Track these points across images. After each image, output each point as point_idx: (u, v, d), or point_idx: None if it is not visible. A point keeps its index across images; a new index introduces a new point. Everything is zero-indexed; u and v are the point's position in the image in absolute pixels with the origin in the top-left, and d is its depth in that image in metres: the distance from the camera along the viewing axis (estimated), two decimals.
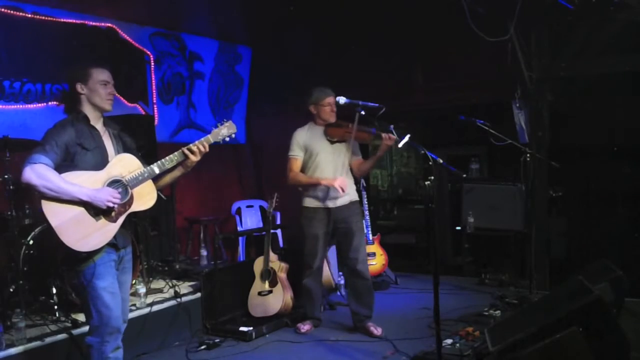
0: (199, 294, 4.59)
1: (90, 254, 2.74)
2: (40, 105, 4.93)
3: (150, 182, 2.92)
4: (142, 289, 4.26)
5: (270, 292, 4.69)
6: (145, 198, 2.90)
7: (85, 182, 2.73)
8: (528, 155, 4.90)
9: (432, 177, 3.10)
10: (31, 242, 4.15)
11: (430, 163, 3.09)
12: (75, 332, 3.72)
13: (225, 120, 3.12)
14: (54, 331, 3.69)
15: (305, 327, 4.44)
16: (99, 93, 2.90)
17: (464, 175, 5.51)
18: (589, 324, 2.69)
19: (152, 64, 5.91)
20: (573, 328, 2.66)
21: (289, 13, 5.45)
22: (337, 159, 4.25)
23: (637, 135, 5.10)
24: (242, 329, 4.38)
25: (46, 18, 4.93)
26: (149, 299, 4.30)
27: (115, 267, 2.89)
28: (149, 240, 4.99)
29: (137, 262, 4.45)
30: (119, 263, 2.94)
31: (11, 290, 3.97)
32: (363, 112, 3.92)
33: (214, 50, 6.63)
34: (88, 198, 2.68)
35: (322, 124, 4.28)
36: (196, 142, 2.97)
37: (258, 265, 4.77)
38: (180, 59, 6.29)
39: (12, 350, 3.42)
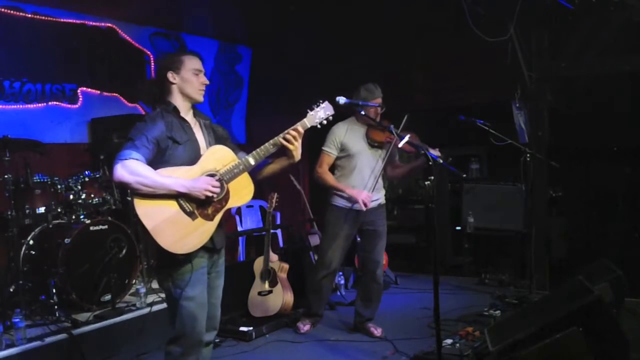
0: None
1: (188, 257, 2.56)
2: (40, 105, 4.93)
3: (246, 175, 2.71)
4: (142, 289, 4.26)
5: (270, 292, 4.69)
6: (242, 192, 2.69)
7: (179, 178, 2.54)
8: (528, 155, 4.90)
9: (432, 177, 3.10)
10: (31, 242, 4.16)
11: (430, 163, 3.09)
12: (75, 332, 3.72)
13: (320, 101, 2.78)
14: (54, 331, 3.69)
15: (305, 327, 4.43)
16: (192, 83, 2.71)
17: (464, 175, 5.51)
18: (589, 324, 2.69)
19: (152, 64, 5.91)
20: (573, 328, 2.66)
21: (289, 13, 5.45)
22: (374, 164, 4.17)
23: (637, 135, 5.10)
24: (242, 329, 4.37)
25: (46, 18, 4.93)
26: (149, 299, 4.29)
27: (207, 272, 2.72)
28: (148, 240, 4.98)
29: (137, 262, 4.46)
30: (212, 267, 2.77)
31: (11, 290, 3.97)
32: (363, 112, 3.87)
33: (214, 50, 6.63)
34: (185, 189, 2.49)
35: (364, 124, 4.19)
36: (290, 129, 2.70)
37: (258, 265, 4.77)
38: None
39: (12, 350, 3.42)
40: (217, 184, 2.58)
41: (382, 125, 3.87)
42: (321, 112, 2.77)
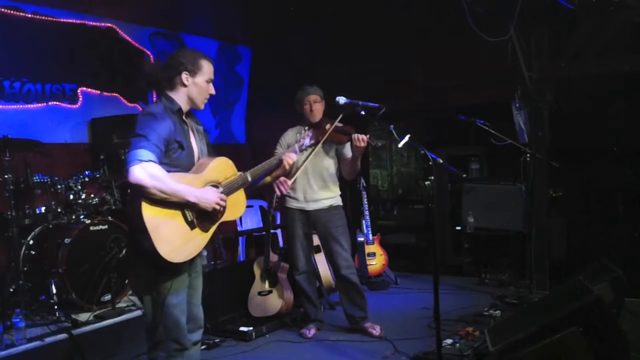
0: None
1: (176, 266, 2.52)
2: (40, 105, 4.93)
3: (241, 191, 2.77)
4: None
5: (270, 292, 4.69)
6: (236, 207, 2.74)
7: (191, 186, 2.51)
8: (528, 155, 4.90)
9: (432, 177, 3.10)
10: (31, 242, 4.16)
11: (430, 163, 3.08)
12: (75, 332, 3.72)
13: (306, 128, 3.15)
14: (54, 331, 3.69)
15: (311, 332, 4.37)
16: (202, 91, 2.66)
17: (464, 175, 5.51)
18: (589, 324, 2.69)
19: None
20: (573, 328, 2.66)
21: (289, 13, 5.45)
22: (315, 163, 4.14)
23: (637, 135, 5.10)
24: (242, 329, 4.38)
25: (46, 18, 4.93)
26: None
27: (188, 275, 2.72)
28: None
29: None
30: (192, 268, 2.77)
31: (11, 290, 3.97)
32: (363, 112, 3.86)
33: (214, 50, 6.62)
34: (196, 199, 2.47)
35: (307, 125, 4.17)
36: (286, 157, 3.16)
37: (258, 265, 4.77)
38: None
39: (12, 350, 3.42)
40: (225, 197, 2.59)
41: (317, 125, 4.00)
42: (307, 140, 3.24)
